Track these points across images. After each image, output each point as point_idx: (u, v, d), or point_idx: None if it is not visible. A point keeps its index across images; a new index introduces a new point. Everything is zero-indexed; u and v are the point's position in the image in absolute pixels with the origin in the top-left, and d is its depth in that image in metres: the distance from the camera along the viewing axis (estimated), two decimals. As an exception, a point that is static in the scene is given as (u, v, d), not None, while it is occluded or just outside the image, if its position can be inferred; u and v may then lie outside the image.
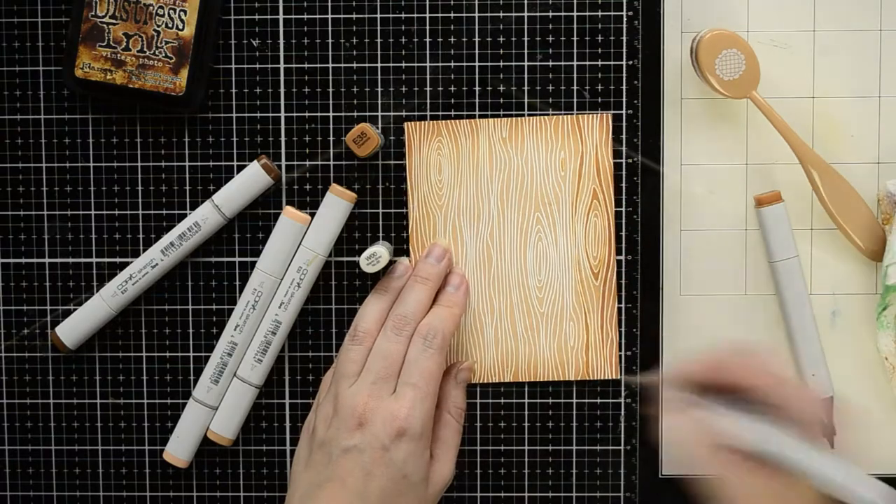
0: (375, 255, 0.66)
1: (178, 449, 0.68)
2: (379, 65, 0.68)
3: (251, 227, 0.68)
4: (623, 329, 0.68)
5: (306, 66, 0.68)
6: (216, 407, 0.67)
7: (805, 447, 0.57)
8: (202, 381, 0.67)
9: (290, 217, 0.66)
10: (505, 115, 0.67)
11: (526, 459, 0.69)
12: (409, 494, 0.60)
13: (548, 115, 0.67)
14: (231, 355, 0.67)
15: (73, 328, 0.68)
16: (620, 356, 0.68)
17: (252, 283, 0.67)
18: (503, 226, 0.68)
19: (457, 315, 0.65)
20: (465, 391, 0.67)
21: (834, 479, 0.57)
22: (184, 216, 0.68)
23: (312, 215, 0.67)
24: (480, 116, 0.67)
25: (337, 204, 0.66)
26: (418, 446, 0.60)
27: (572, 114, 0.67)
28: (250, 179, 0.67)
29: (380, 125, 0.68)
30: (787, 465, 0.57)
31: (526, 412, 0.69)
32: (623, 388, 0.68)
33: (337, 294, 0.68)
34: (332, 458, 0.60)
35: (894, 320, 0.64)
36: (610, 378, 0.68)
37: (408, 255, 0.68)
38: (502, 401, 0.69)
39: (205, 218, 0.67)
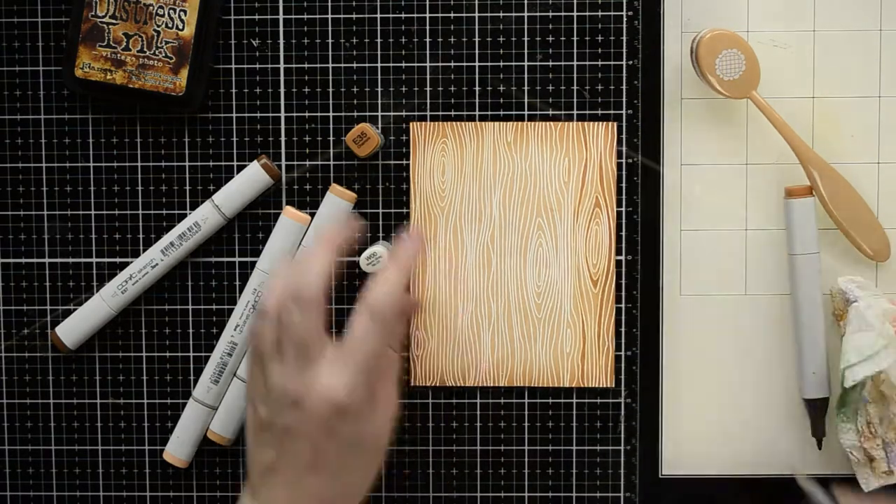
0: (375, 255, 0.66)
1: (178, 449, 0.68)
2: (379, 65, 0.68)
3: (251, 227, 0.68)
4: (623, 329, 0.68)
5: (306, 66, 0.68)
6: (216, 407, 0.67)
7: None
8: (202, 381, 0.67)
9: (290, 217, 0.66)
10: (505, 116, 0.67)
11: (526, 459, 0.69)
12: (365, 450, 0.58)
13: (548, 114, 0.67)
14: (231, 355, 0.67)
15: (73, 328, 0.68)
16: (619, 356, 0.68)
17: (252, 283, 0.67)
18: (504, 230, 0.68)
19: (320, 257, 0.58)
20: (405, 324, 0.65)
21: None
22: (184, 216, 0.68)
23: (312, 215, 0.67)
24: (480, 117, 0.67)
25: (337, 204, 0.66)
26: (362, 412, 0.57)
27: (572, 118, 0.67)
28: (250, 179, 0.67)
29: (380, 125, 0.68)
30: None
31: (526, 412, 0.69)
32: (623, 389, 0.68)
33: (337, 294, 0.68)
34: (281, 439, 0.57)
35: (854, 415, 0.64)
36: (605, 387, 0.68)
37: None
38: (502, 401, 0.69)
39: (205, 218, 0.67)
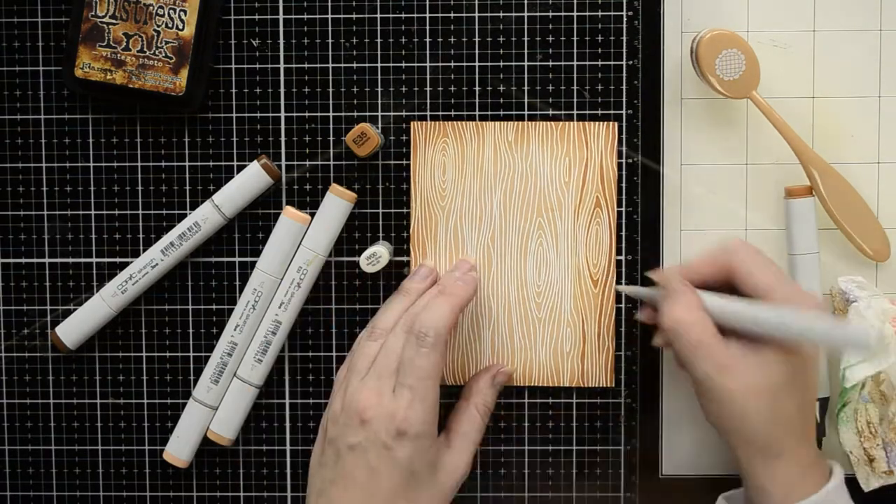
0: (375, 255, 0.66)
1: (179, 449, 0.68)
2: (379, 65, 0.68)
3: (251, 227, 0.68)
4: (623, 329, 0.68)
5: (306, 66, 0.68)
6: (216, 407, 0.67)
7: (787, 310, 0.58)
8: (202, 381, 0.67)
9: (290, 217, 0.66)
10: (505, 116, 0.67)
11: (526, 459, 0.69)
12: (420, 489, 0.60)
13: (548, 114, 0.67)
14: (231, 355, 0.67)
15: (74, 328, 0.68)
16: (619, 356, 0.68)
17: (252, 284, 0.67)
18: (505, 230, 0.68)
19: (455, 305, 0.63)
20: (497, 393, 0.67)
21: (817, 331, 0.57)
22: (184, 216, 0.68)
23: (312, 215, 0.67)
24: (480, 117, 0.67)
25: (337, 204, 0.66)
26: (422, 444, 0.60)
27: (572, 118, 0.67)
28: (250, 179, 0.67)
29: (380, 125, 0.68)
30: (784, 332, 0.58)
31: (526, 412, 0.69)
32: (623, 389, 0.68)
33: (337, 294, 0.68)
34: (340, 456, 0.60)
35: (854, 414, 0.65)
36: (605, 387, 0.68)
37: (407, 255, 0.68)
38: (502, 401, 0.69)
39: (205, 218, 0.67)
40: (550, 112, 0.67)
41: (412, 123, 0.67)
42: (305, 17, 0.67)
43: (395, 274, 0.68)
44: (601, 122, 0.67)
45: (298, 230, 0.67)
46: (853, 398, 0.65)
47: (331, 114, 0.68)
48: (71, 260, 0.69)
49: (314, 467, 0.63)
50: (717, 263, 0.61)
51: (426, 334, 0.61)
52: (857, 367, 0.63)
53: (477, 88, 0.67)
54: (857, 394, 0.64)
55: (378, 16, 0.67)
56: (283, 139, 0.68)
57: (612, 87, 0.67)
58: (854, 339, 0.57)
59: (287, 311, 0.67)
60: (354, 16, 0.67)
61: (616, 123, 0.67)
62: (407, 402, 0.60)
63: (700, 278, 0.62)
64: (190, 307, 0.69)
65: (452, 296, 0.63)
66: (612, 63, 0.67)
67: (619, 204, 0.68)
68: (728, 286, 0.61)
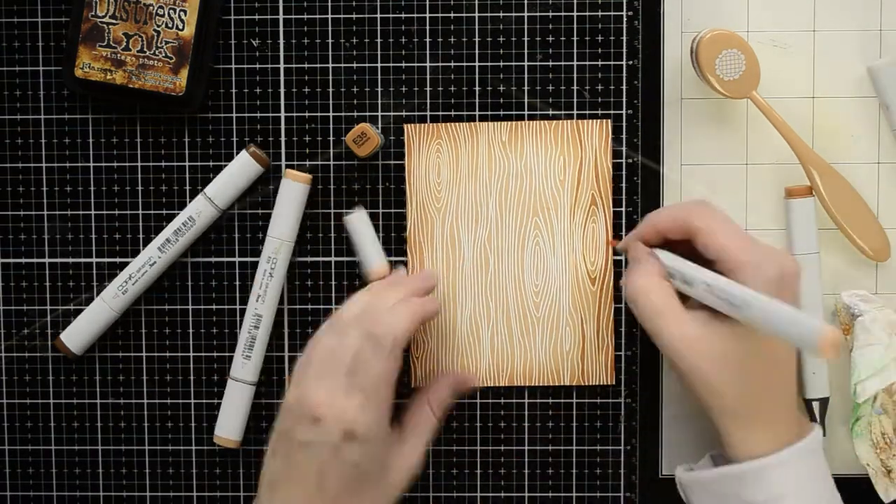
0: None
1: (229, 429, 0.68)
2: (379, 65, 0.68)
3: (251, 227, 0.68)
4: (623, 329, 0.68)
5: (306, 66, 0.68)
6: (255, 382, 0.68)
7: (752, 294, 0.56)
8: (236, 360, 0.67)
9: (292, 179, 0.66)
10: (505, 116, 0.67)
11: (526, 459, 0.69)
12: (369, 487, 0.60)
13: (548, 114, 0.67)
14: (258, 328, 0.67)
15: (77, 333, 0.68)
16: (619, 356, 0.68)
17: (266, 252, 0.66)
18: (501, 230, 0.68)
19: (417, 315, 0.61)
20: (455, 398, 0.66)
21: (774, 318, 0.55)
22: (184, 216, 0.68)
23: (310, 216, 0.67)
24: (480, 117, 0.67)
25: (293, 188, 0.66)
26: (372, 447, 0.59)
27: (572, 118, 0.67)
28: (241, 169, 0.67)
29: (380, 125, 0.68)
30: (736, 314, 0.57)
31: (526, 412, 0.69)
32: (623, 389, 0.68)
33: (337, 294, 0.68)
34: (291, 451, 0.59)
35: (868, 427, 0.65)
36: (605, 384, 0.68)
37: (405, 255, 0.68)
38: (502, 401, 0.69)
39: (198, 212, 0.67)
40: (550, 112, 0.67)
41: (405, 126, 0.67)
42: (305, 17, 0.68)
43: (393, 274, 0.68)
44: (594, 120, 0.67)
45: (303, 191, 0.66)
46: (866, 412, 0.65)
47: (331, 114, 0.68)
48: (71, 260, 0.69)
49: (269, 454, 0.61)
50: (675, 219, 0.61)
51: (384, 338, 0.60)
52: (868, 381, 0.64)
53: (477, 88, 0.67)
54: (869, 407, 0.65)
55: (378, 16, 0.67)
56: (283, 139, 0.68)
57: (611, 87, 0.67)
58: (805, 340, 0.54)
59: (265, 303, 0.67)
60: (354, 16, 0.67)
61: (609, 121, 0.67)
62: (359, 404, 0.59)
63: (660, 235, 0.61)
64: (190, 307, 0.69)
65: (417, 306, 0.62)
66: (611, 63, 0.67)
67: (619, 204, 0.68)
68: (689, 245, 0.60)
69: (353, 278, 0.68)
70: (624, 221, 0.68)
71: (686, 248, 0.61)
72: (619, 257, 0.68)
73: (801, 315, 0.55)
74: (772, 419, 0.59)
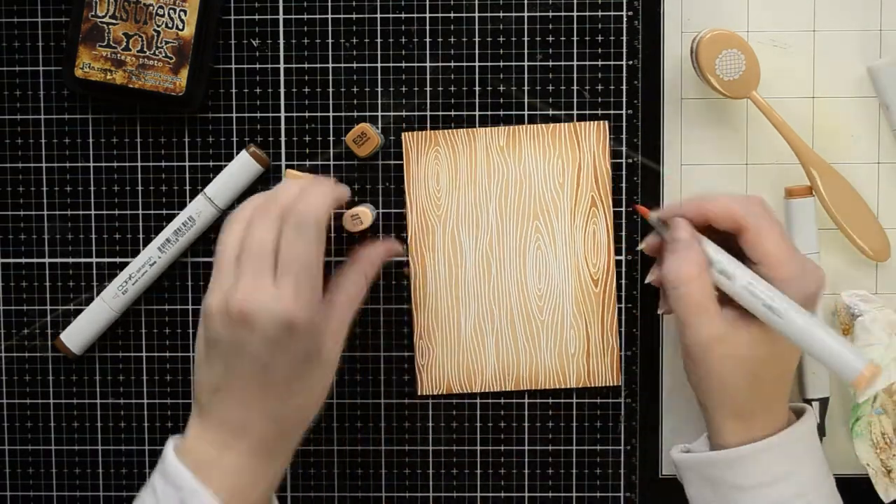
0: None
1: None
2: (379, 65, 0.68)
3: (251, 227, 0.68)
4: (623, 329, 0.68)
5: (306, 66, 0.68)
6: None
7: (796, 308, 0.57)
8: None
9: (292, 179, 0.66)
10: (505, 116, 0.67)
11: (526, 459, 0.69)
12: (313, 367, 0.58)
13: (548, 114, 0.67)
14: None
15: (78, 333, 0.68)
16: (619, 356, 0.68)
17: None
18: (502, 235, 0.68)
19: (328, 193, 0.59)
20: (382, 263, 0.65)
21: (819, 344, 0.57)
22: (184, 216, 0.68)
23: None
24: (480, 117, 0.67)
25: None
26: (313, 331, 0.57)
27: (572, 118, 0.67)
28: (241, 169, 0.67)
29: (380, 125, 0.68)
30: (774, 322, 0.57)
31: (526, 412, 0.69)
32: (623, 389, 0.68)
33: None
34: (228, 355, 0.57)
35: (868, 427, 0.65)
36: (611, 385, 0.68)
37: (406, 265, 0.68)
38: (502, 401, 0.69)
39: (198, 211, 0.67)
40: (550, 112, 0.67)
41: (403, 134, 0.67)
42: (305, 17, 0.67)
43: (394, 273, 0.68)
44: (591, 122, 0.67)
45: None
46: (866, 412, 0.65)
47: (331, 114, 0.68)
48: (71, 260, 0.69)
49: (200, 364, 0.59)
50: (728, 212, 0.60)
51: (306, 222, 0.57)
52: None
53: (477, 88, 0.67)
54: (869, 407, 0.65)
55: (378, 16, 0.67)
56: (283, 139, 0.68)
57: (612, 87, 0.67)
58: (845, 372, 0.56)
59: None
60: (354, 16, 0.67)
61: (607, 122, 0.67)
62: (292, 293, 0.56)
63: (706, 220, 0.60)
64: (190, 307, 0.69)
65: (327, 186, 0.60)
66: (611, 63, 0.67)
67: (619, 204, 0.68)
68: (731, 236, 0.60)
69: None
70: (624, 222, 0.68)
71: (721, 237, 0.60)
72: (619, 257, 0.68)
73: (846, 348, 0.56)
74: (769, 415, 0.60)
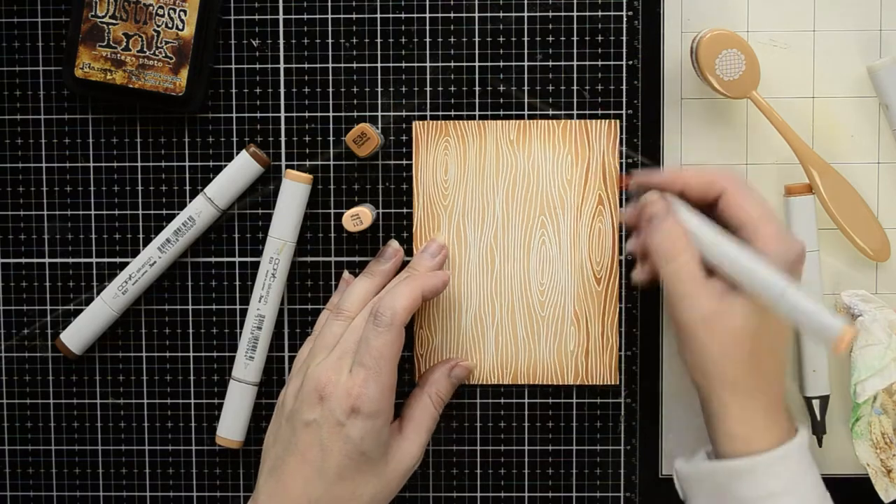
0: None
1: (230, 430, 0.67)
2: (379, 65, 0.68)
3: (251, 227, 0.68)
4: (623, 329, 0.68)
5: (306, 66, 0.68)
6: (257, 383, 0.67)
7: (777, 277, 0.57)
8: (238, 360, 0.67)
9: (293, 179, 0.66)
10: (505, 116, 0.67)
11: (526, 459, 0.69)
12: (369, 471, 0.60)
13: (548, 114, 0.67)
14: (261, 328, 0.67)
15: (77, 333, 0.68)
16: (619, 356, 0.68)
17: (268, 252, 0.66)
18: (507, 228, 0.68)
19: (417, 288, 0.62)
20: (453, 385, 0.67)
21: (798, 309, 0.57)
22: (184, 216, 0.68)
23: (310, 216, 0.67)
24: (480, 117, 0.67)
25: (294, 188, 0.66)
26: (374, 424, 0.60)
27: (572, 118, 0.67)
28: (240, 169, 0.67)
29: (380, 125, 0.68)
30: (757, 290, 0.57)
31: (526, 412, 0.69)
32: (623, 389, 0.68)
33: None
34: (295, 432, 0.60)
35: (868, 428, 0.65)
36: (609, 384, 0.68)
37: (411, 255, 0.68)
38: (502, 401, 0.69)
39: (198, 212, 0.67)
40: (550, 112, 0.67)
41: (414, 123, 0.67)
42: (305, 17, 0.68)
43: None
44: (603, 120, 0.67)
45: (304, 191, 0.66)
46: (866, 412, 0.65)
47: (331, 114, 0.68)
48: (71, 260, 0.69)
49: (268, 444, 0.63)
50: (707, 176, 0.60)
51: (383, 314, 0.61)
52: (868, 381, 0.64)
53: (477, 88, 0.68)
54: (869, 407, 0.65)
55: (378, 16, 0.67)
56: (283, 139, 0.68)
57: (612, 87, 0.67)
58: (823, 334, 0.56)
59: (268, 304, 0.67)
60: (354, 16, 0.67)
61: (618, 121, 0.67)
62: (362, 380, 0.60)
63: (682, 188, 0.61)
64: (190, 307, 0.69)
65: (417, 280, 0.63)
66: (612, 63, 0.67)
67: (621, 204, 0.68)
68: (709, 206, 0.60)
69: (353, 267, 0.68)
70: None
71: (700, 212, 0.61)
72: (621, 257, 0.68)
73: (825, 311, 0.56)
74: (768, 395, 0.59)
